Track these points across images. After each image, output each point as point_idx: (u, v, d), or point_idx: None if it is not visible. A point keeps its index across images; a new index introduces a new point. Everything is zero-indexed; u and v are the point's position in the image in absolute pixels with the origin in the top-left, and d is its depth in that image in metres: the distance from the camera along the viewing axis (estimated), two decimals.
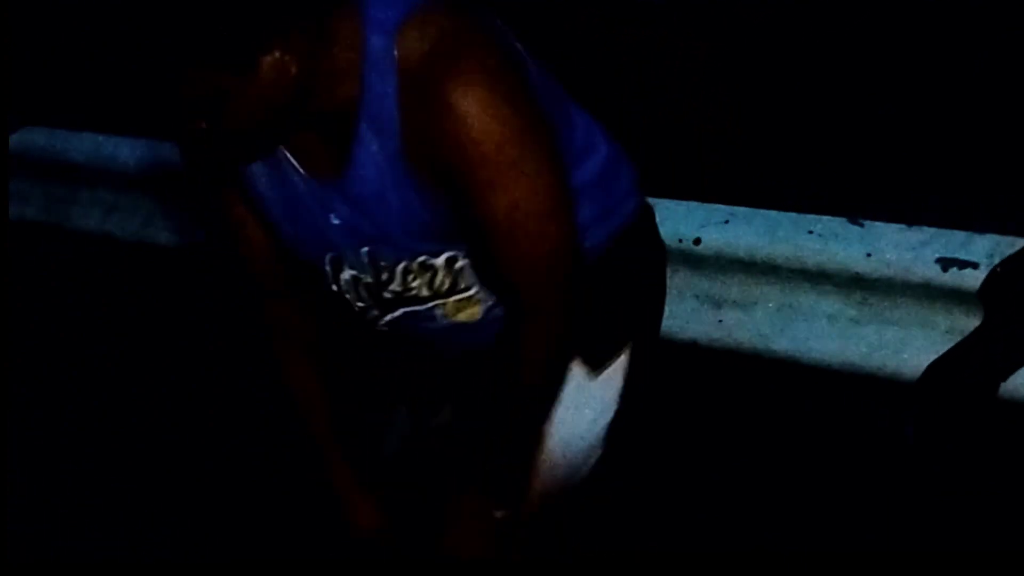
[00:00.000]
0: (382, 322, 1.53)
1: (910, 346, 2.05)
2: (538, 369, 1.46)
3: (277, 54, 1.27)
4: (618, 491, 1.94)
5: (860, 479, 2.27)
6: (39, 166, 3.32)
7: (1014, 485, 2.06)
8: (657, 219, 1.56)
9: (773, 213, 2.20)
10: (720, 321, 2.21)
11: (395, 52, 1.30)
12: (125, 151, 3.09)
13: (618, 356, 1.58)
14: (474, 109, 1.29)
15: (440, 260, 1.46)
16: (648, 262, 1.64)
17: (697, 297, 2.25)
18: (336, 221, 1.42)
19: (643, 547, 2.13)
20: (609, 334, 1.58)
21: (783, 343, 2.16)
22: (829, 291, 2.15)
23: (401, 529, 1.79)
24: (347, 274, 1.50)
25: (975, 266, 1.98)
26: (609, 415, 1.58)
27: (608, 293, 1.53)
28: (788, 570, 2.09)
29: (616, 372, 1.58)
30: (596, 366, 1.55)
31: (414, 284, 1.50)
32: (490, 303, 1.50)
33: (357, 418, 1.72)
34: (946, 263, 2.01)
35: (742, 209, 2.21)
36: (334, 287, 1.51)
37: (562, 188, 1.36)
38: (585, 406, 1.57)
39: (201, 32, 1.26)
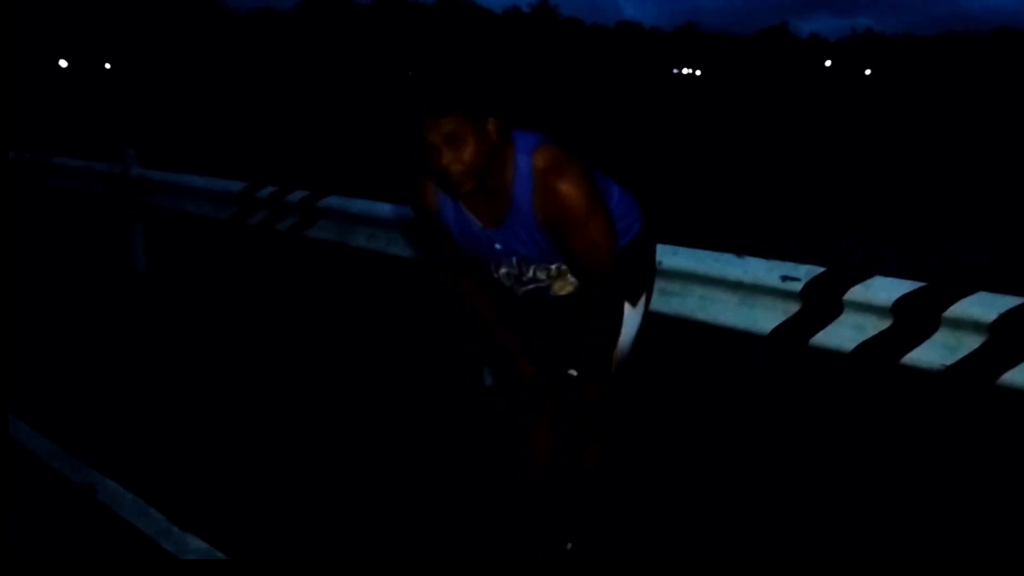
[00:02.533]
0: (519, 293, 2.52)
1: (765, 319, 3.27)
2: (601, 305, 2.42)
3: (492, 123, 2.15)
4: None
5: (743, 396, 3.65)
6: (333, 215, 4.96)
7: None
8: None
9: (697, 250, 3.42)
10: (669, 302, 3.43)
11: (531, 164, 2.23)
12: (386, 209, 4.66)
13: (641, 297, 2.60)
14: (569, 195, 2.22)
15: (553, 266, 2.43)
16: (649, 254, 2.66)
17: (658, 291, 3.39)
18: (498, 247, 2.36)
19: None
20: (637, 288, 2.58)
21: (703, 315, 3.39)
22: (725, 289, 3.36)
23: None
24: (503, 270, 2.44)
25: (798, 280, 3.18)
26: (639, 324, 2.60)
27: (634, 270, 2.53)
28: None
29: (641, 305, 2.60)
30: (633, 303, 2.57)
31: (539, 274, 2.45)
32: (576, 284, 2.47)
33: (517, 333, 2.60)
34: (784, 278, 3.21)
35: (683, 247, 3.43)
36: (495, 275, 2.47)
37: (611, 233, 2.30)
38: (630, 320, 2.57)
39: (470, 95, 2.10)
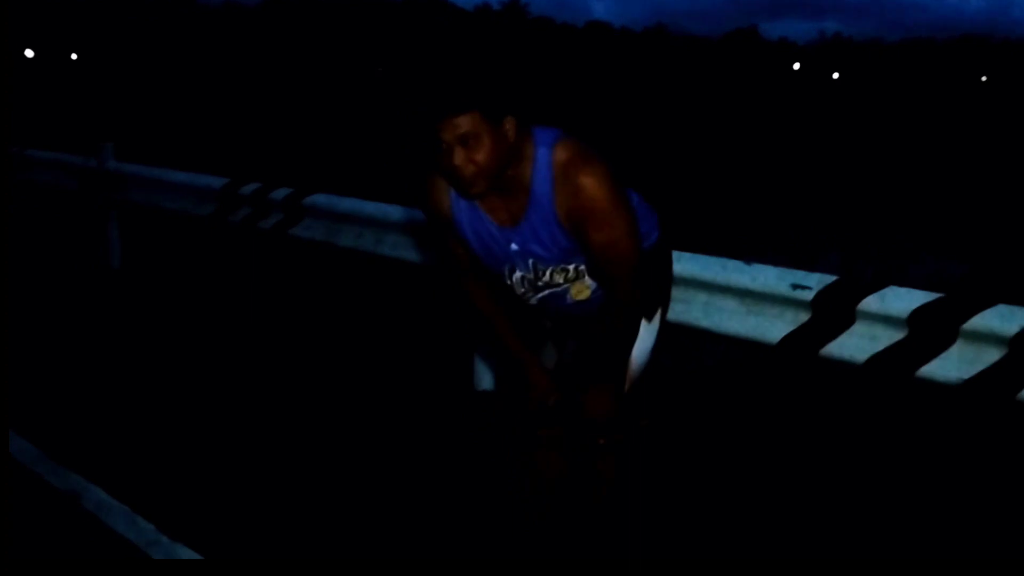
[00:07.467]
0: (533, 300, 2.40)
1: (774, 328, 3.19)
2: (620, 319, 2.30)
3: (510, 123, 2.09)
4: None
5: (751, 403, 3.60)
6: (319, 213, 4.84)
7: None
8: None
9: (702, 256, 3.32)
10: (672, 308, 3.15)
11: (552, 158, 2.15)
12: (374, 208, 4.53)
13: (657, 312, 2.51)
14: (592, 188, 2.12)
15: (571, 266, 2.31)
16: (666, 265, 2.59)
17: None
18: (515, 248, 2.27)
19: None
20: (653, 302, 2.48)
21: (707, 322, 3.31)
22: (732, 297, 3.26)
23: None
24: (518, 274, 2.33)
25: (809, 289, 3.10)
26: (653, 341, 2.50)
27: (650, 282, 2.39)
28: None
29: (656, 320, 2.50)
30: (649, 318, 2.47)
31: (556, 278, 2.33)
32: (594, 287, 2.37)
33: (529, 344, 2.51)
34: (794, 286, 3.13)
35: (687, 253, 3.30)
36: (508, 282, 2.35)
37: (634, 231, 2.21)
38: (644, 338, 2.47)
39: (488, 94, 2.04)
